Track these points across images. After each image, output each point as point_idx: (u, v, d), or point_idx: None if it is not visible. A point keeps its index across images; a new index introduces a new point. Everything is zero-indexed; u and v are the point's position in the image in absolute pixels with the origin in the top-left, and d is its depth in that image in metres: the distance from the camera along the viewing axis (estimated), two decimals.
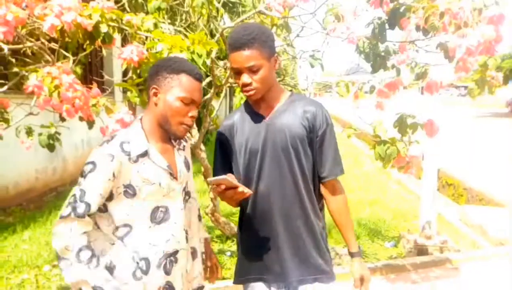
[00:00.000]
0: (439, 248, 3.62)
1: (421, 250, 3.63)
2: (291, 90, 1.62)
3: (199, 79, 1.36)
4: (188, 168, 1.50)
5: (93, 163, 1.26)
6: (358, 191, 5.85)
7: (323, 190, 1.57)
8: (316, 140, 1.51)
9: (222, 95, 2.88)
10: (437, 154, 3.69)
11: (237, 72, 1.44)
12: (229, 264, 3.32)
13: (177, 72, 1.33)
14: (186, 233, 1.44)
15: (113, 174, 1.25)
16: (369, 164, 8.45)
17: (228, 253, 3.50)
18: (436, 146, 3.57)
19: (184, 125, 1.35)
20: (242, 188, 1.31)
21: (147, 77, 1.41)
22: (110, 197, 1.29)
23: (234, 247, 3.62)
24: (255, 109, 1.55)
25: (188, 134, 1.59)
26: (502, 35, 1.58)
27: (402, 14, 1.82)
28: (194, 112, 1.36)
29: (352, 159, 8.91)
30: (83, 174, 1.26)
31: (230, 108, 12.03)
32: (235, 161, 1.57)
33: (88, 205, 1.23)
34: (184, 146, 1.52)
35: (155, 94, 1.35)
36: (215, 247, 3.63)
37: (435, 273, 3.28)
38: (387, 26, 1.91)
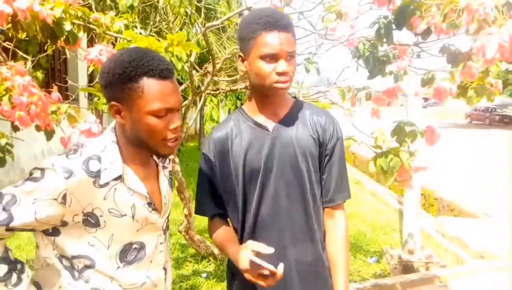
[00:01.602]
0: (425, 264, 3.50)
1: (406, 266, 3.49)
2: (294, 97, 1.38)
3: (169, 75, 1.01)
4: (171, 186, 1.23)
5: (42, 171, 0.94)
6: None
7: (323, 215, 1.31)
8: (324, 155, 1.27)
9: (201, 102, 2.64)
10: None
11: (272, 59, 1.15)
12: (205, 287, 3.04)
13: (134, 78, 0.97)
14: (165, 271, 1.17)
15: (63, 197, 0.93)
16: None
17: (204, 275, 3.22)
18: (422, 158, 3.46)
19: (168, 142, 1.03)
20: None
21: (101, 87, 1.06)
22: (62, 225, 0.97)
23: (210, 268, 3.35)
24: (255, 118, 1.28)
25: None
26: None
27: (412, 13, 1.64)
28: (176, 122, 1.02)
29: None
30: (27, 177, 0.95)
31: (201, 117, 11.73)
32: (230, 184, 1.28)
33: (10, 219, 0.91)
34: (170, 160, 1.24)
35: (118, 112, 1.02)
36: (190, 267, 3.35)
37: None
38: (393, 26, 1.73)
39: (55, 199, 0.93)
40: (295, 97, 1.36)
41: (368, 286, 3.08)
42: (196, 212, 1.36)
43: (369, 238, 4.39)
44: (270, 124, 1.26)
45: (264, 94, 1.24)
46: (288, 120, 1.26)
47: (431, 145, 1.82)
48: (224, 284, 3.08)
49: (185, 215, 3.20)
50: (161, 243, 1.13)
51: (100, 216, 0.99)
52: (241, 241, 1.29)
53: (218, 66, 2.76)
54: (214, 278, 3.13)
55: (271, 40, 1.15)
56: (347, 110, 2.17)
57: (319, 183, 1.28)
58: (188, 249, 3.60)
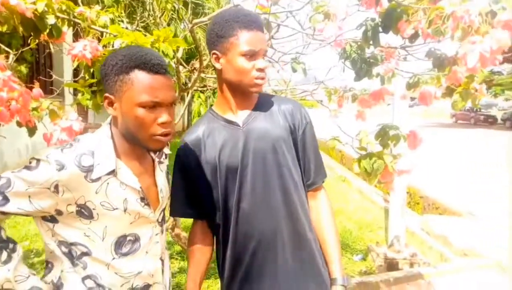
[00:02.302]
0: (409, 261, 3.54)
1: (391, 264, 3.53)
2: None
3: (160, 70, 1.03)
4: (168, 180, 1.24)
5: (38, 161, 0.98)
6: None
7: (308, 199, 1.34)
8: (297, 141, 1.31)
9: (187, 100, 2.61)
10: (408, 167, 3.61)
11: (252, 56, 1.20)
12: (202, 285, 3.02)
13: (126, 70, 1.01)
14: (162, 263, 1.17)
15: (55, 187, 0.96)
16: (327, 172, 8.43)
17: None
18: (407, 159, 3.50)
19: (156, 136, 1.03)
20: None
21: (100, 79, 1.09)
22: (57, 213, 1.01)
23: None
24: (225, 116, 1.31)
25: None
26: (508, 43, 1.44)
27: (399, 16, 1.64)
28: (165, 117, 1.02)
29: None
30: (24, 165, 0.99)
31: (189, 113, 11.68)
32: (207, 184, 1.28)
33: (5, 201, 0.95)
34: (167, 154, 1.24)
35: (110, 104, 1.06)
36: (175, 265, 3.33)
37: (410, 288, 3.18)
38: (380, 29, 1.72)
39: (48, 188, 0.96)
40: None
41: (353, 284, 3.10)
42: (170, 214, 1.37)
43: (355, 236, 4.42)
44: (240, 120, 1.29)
45: (237, 91, 1.27)
46: (257, 113, 1.29)
47: (413, 149, 1.84)
48: (209, 281, 3.07)
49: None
50: (156, 234, 1.14)
51: (93, 209, 1.01)
52: (226, 235, 1.30)
53: (205, 63, 2.73)
54: (211, 278, 3.12)
55: (252, 38, 1.20)
56: (333, 111, 2.16)
57: (297, 169, 1.30)
58: (174, 246, 3.57)
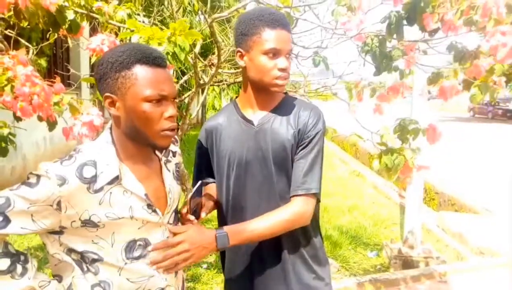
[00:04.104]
0: (424, 259, 3.50)
1: (405, 261, 3.50)
2: (285, 93, 1.39)
3: (162, 64, 1.02)
4: (179, 179, 1.22)
5: (38, 177, 0.93)
6: (335, 196, 5.71)
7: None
8: (300, 146, 1.27)
9: (205, 93, 2.61)
10: (425, 161, 3.56)
11: (275, 54, 1.20)
12: (206, 277, 3.05)
13: (127, 66, 0.98)
14: None
15: (58, 204, 0.93)
16: (342, 167, 8.37)
17: (204, 266, 3.24)
18: (425, 155, 3.45)
19: (164, 131, 1.02)
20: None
21: (96, 82, 1.04)
22: (62, 229, 0.97)
23: (211, 259, 3.36)
24: (244, 112, 1.33)
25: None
26: None
27: (423, 9, 1.62)
28: (171, 110, 1.01)
29: (325, 162, 8.82)
30: (23, 181, 0.94)
31: (203, 106, 11.70)
32: (217, 169, 1.36)
33: (6, 221, 0.90)
34: (175, 152, 1.22)
35: (112, 104, 1.01)
36: None
37: (424, 287, 3.15)
38: (404, 22, 1.70)
39: (50, 205, 0.93)
40: (286, 93, 1.38)
41: (367, 281, 3.09)
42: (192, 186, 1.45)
43: (369, 232, 4.39)
44: (256, 119, 1.30)
45: (260, 89, 1.28)
46: (274, 116, 1.29)
47: (432, 143, 1.81)
48: (213, 272, 3.09)
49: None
50: (167, 237, 1.12)
51: (98, 221, 0.99)
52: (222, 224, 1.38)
53: (222, 58, 2.73)
54: (215, 269, 3.14)
55: (275, 37, 1.19)
56: (352, 106, 2.14)
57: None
58: None
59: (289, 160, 1.26)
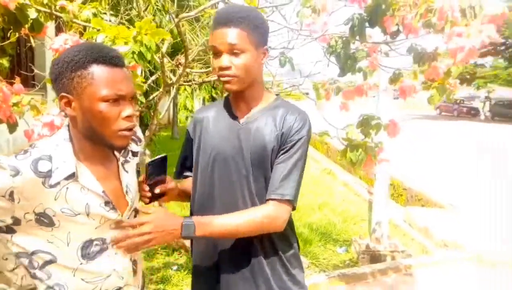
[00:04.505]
0: (391, 253, 3.61)
1: (373, 255, 3.60)
2: (277, 94, 1.39)
3: (119, 63, 1.00)
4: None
5: None
6: (307, 195, 5.79)
7: None
8: (281, 150, 1.24)
9: (173, 93, 2.60)
10: (390, 157, 3.67)
11: (216, 53, 1.20)
12: (176, 279, 3.04)
13: (84, 65, 0.96)
14: (134, 263, 1.15)
15: (10, 194, 0.90)
16: (313, 165, 8.50)
17: (175, 267, 3.22)
18: (393, 150, 3.55)
19: (121, 131, 1.01)
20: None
21: (52, 82, 1.02)
22: (14, 223, 0.94)
23: (181, 260, 3.35)
24: (233, 108, 1.32)
25: (140, 135, 1.29)
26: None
27: (384, 11, 1.68)
28: (129, 110, 1.00)
29: None
30: None
31: (175, 106, 11.58)
32: (195, 161, 1.36)
33: None
34: (136, 152, 1.20)
35: (68, 104, 0.99)
36: (161, 260, 3.34)
37: (391, 280, 3.25)
38: (366, 24, 1.75)
39: (3, 196, 0.90)
40: (277, 95, 1.37)
41: (336, 276, 3.16)
42: (174, 177, 1.45)
43: (339, 228, 4.48)
44: (242, 117, 1.29)
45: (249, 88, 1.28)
46: (261, 115, 1.28)
47: (393, 137, 1.90)
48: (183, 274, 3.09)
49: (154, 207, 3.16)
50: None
51: (53, 216, 0.97)
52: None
53: (190, 58, 2.72)
54: (185, 271, 3.13)
55: (213, 37, 1.20)
56: (319, 104, 2.20)
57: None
58: None
59: (268, 162, 1.24)
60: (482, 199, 6.16)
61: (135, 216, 1.16)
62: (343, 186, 6.95)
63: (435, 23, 1.53)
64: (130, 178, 1.15)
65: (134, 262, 1.15)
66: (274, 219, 1.20)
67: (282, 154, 1.24)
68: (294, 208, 1.24)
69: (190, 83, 2.95)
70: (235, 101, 1.31)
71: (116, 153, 1.13)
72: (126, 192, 1.11)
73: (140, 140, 1.24)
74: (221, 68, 1.19)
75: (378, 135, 1.96)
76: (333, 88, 2.23)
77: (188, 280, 3.04)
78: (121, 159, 1.14)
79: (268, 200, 1.22)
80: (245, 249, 1.27)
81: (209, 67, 3.10)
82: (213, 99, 20.19)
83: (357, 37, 1.78)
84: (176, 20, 1.96)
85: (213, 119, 1.34)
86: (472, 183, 7.45)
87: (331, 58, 1.88)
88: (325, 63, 1.94)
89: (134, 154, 1.20)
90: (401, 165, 8.30)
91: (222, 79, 1.21)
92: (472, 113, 26.70)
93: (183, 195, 1.40)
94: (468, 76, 25.01)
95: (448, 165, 9.25)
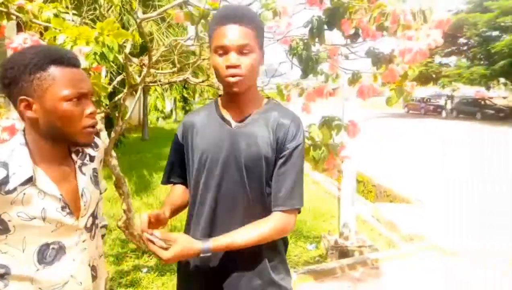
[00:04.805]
0: (358, 248, 3.71)
1: (342, 251, 3.68)
2: (268, 97, 1.35)
3: (76, 64, 1.04)
4: (97, 184, 1.20)
5: None
6: None
7: None
8: (279, 159, 1.22)
9: (138, 94, 2.57)
10: (356, 154, 3.78)
11: (224, 52, 1.15)
12: (146, 281, 3.01)
13: (42, 67, 0.98)
14: (94, 269, 1.14)
15: None
16: None
17: (145, 270, 3.19)
18: (356, 148, 3.65)
19: (86, 128, 1.04)
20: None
21: (4, 86, 1.02)
22: None
23: (151, 262, 3.32)
24: (223, 112, 1.28)
25: (98, 141, 1.28)
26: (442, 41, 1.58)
27: (342, 14, 1.73)
28: (92, 107, 1.04)
29: None
30: None
31: (145, 107, 11.42)
32: (189, 166, 1.33)
33: None
34: (93, 157, 1.20)
35: (28, 107, 0.99)
36: (130, 263, 3.30)
37: (358, 274, 3.34)
38: (325, 26, 1.81)
39: None
40: (268, 97, 1.35)
41: (305, 272, 3.22)
42: (161, 183, 1.47)
43: (309, 225, 4.55)
44: (233, 121, 1.26)
45: (225, 90, 1.25)
46: (252, 120, 1.25)
47: (353, 137, 1.95)
48: (165, 278, 3.07)
49: (124, 211, 3.12)
50: (84, 241, 1.10)
51: (9, 221, 0.96)
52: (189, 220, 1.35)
53: (156, 58, 2.70)
54: (155, 273, 3.11)
55: (221, 33, 1.16)
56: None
57: (264, 186, 1.24)
58: (129, 244, 3.53)
59: (262, 166, 1.22)
60: (446, 193, 6.41)
61: (92, 223, 1.15)
62: (313, 185, 7.07)
63: (388, 26, 1.59)
64: (86, 182, 1.14)
65: (93, 268, 1.15)
66: (283, 229, 1.22)
67: (282, 163, 1.22)
68: (300, 211, 1.26)
69: (156, 84, 2.94)
70: (228, 104, 1.28)
71: (73, 156, 1.13)
72: (82, 195, 1.11)
73: (97, 146, 1.23)
74: (230, 66, 1.14)
75: (339, 135, 2.01)
76: (297, 89, 2.28)
77: (158, 281, 3.02)
78: (78, 162, 1.13)
79: (276, 210, 1.21)
80: (232, 256, 1.24)
81: (173, 67, 3.08)
82: (184, 99, 20.05)
83: (317, 39, 1.83)
84: (138, 20, 1.95)
85: (204, 123, 1.30)
86: (437, 179, 7.73)
87: (293, 60, 1.91)
88: (289, 65, 1.98)
89: (91, 158, 1.19)
90: (371, 162, 8.52)
91: (231, 79, 1.15)
92: (438, 111, 27.63)
93: (175, 211, 1.38)
94: (434, 75, 25.84)
95: (415, 161, 9.55)
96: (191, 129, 1.32)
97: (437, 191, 6.54)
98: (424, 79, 26.43)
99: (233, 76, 1.15)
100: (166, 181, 1.43)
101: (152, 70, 2.85)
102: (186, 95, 18.27)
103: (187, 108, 19.97)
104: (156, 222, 1.23)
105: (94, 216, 1.16)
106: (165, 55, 3.24)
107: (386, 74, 1.90)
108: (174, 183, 1.42)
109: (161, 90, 12.79)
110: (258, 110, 1.27)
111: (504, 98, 33.93)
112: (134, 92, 2.72)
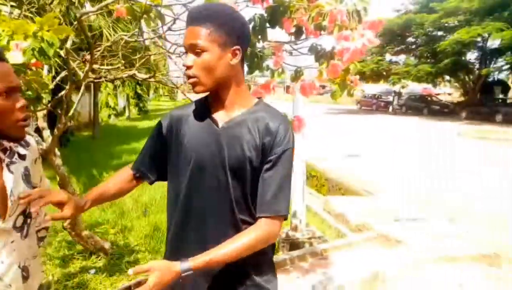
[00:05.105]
0: (308, 239, 3.83)
1: (293, 243, 3.78)
2: (259, 98, 1.31)
3: (3, 57, 1.04)
4: (29, 183, 1.16)
5: None
6: None
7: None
8: (265, 163, 1.19)
9: (82, 90, 2.49)
10: (305, 149, 3.88)
11: (186, 52, 1.18)
12: (94, 283, 2.94)
13: None
14: (25, 270, 1.11)
15: None
16: None
17: (92, 271, 3.11)
18: (304, 141, 3.75)
19: (19, 122, 1.05)
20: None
21: None
22: None
23: (99, 263, 3.24)
24: (212, 110, 1.25)
25: (29, 139, 1.25)
26: (376, 41, 1.67)
27: (283, 13, 1.78)
28: (22, 101, 1.05)
29: None
30: None
31: (95, 104, 11.02)
32: (173, 164, 1.28)
33: None
34: (24, 155, 1.16)
35: None
36: (77, 264, 3.20)
37: (308, 265, 3.44)
38: (267, 24, 1.85)
39: None
40: (259, 98, 1.32)
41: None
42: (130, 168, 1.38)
43: None
44: (221, 121, 1.23)
45: (232, 92, 1.24)
46: (241, 120, 1.22)
47: (298, 132, 2.01)
48: (114, 278, 3.02)
49: None
50: (12, 242, 1.07)
51: None
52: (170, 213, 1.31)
53: (100, 54, 2.64)
54: (104, 273, 3.04)
55: (184, 36, 1.19)
56: None
57: (248, 191, 1.21)
58: (76, 246, 3.42)
59: (247, 169, 1.19)
60: (395, 185, 6.74)
61: (24, 222, 1.12)
62: None
63: (326, 25, 1.66)
64: (15, 181, 1.11)
65: (25, 269, 1.12)
66: (268, 238, 1.18)
67: (269, 168, 1.18)
68: (286, 218, 1.22)
69: (101, 80, 2.86)
70: (214, 103, 1.25)
71: (0, 154, 1.09)
72: (10, 194, 1.07)
73: (28, 144, 1.20)
74: (185, 66, 1.17)
75: None
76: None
77: (107, 282, 2.96)
78: (6, 160, 1.10)
79: (260, 217, 1.17)
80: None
81: (118, 63, 3.02)
82: (138, 96, 19.59)
83: (259, 37, 1.86)
84: (78, 14, 1.89)
85: (191, 121, 1.26)
86: (387, 171, 8.09)
87: None
88: None
89: (22, 157, 1.16)
90: (323, 157, 8.76)
91: (189, 80, 1.17)
92: (389, 107, 28.84)
93: (104, 199, 1.33)
94: (384, 73, 26.88)
95: (367, 155, 9.93)
96: (179, 124, 1.28)
97: (386, 183, 6.86)
98: (375, 76, 27.48)
99: (187, 76, 1.17)
100: (136, 170, 1.35)
101: (96, 66, 2.77)
102: (140, 92, 17.83)
103: (141, 105, 19.56)
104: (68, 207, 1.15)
105: (25, 215, 1.13)
106: (115, 50, 3.15)
107: (329, 70, 1.97)
108: (142, 174, 1.35)
109: (112, 87, 12.39)
110: (246, 110, 1.24)
111: (449, 94, 36.04)
112: (78, 89, 2.64)
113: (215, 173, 1.20)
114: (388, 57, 28.35)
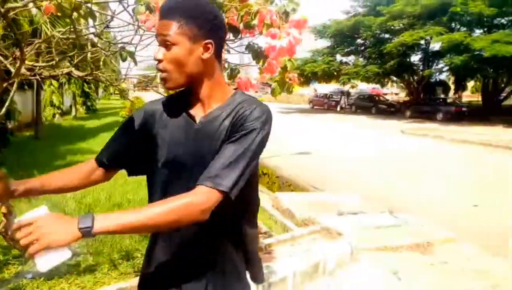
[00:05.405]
0: None
1: None
2: (235, 89, 1.28)
3: None
4: None
5: None
6: None
7: None
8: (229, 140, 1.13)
9: (14, 87, 2.39)
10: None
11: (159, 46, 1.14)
12: (30, 288, 2.83)
13: None
14: None
15: None
16: None
17: (29, 275, 2.99)
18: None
19: None
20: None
21: None
22: None
23: (36, 268, 3.11)
24: (188, 106, 1.21)
25: None
26: (301, 39, 1.75)
27: None
28: None
29: None
30: None
31: (38, 103, 10.49)
32: (149, 160, 1.23)
33: None
34: None
35: None
36: (12, 270, 3.06)
37: None
38: None
39: None
40: (236, 89, 1.29)
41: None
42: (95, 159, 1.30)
43: None
44: (198, 116, 1.19)
45: (207, 86, 1.21)
46: (218, 114, 1.17)
47: None
48: (52, 282, 2.92)
49: (4, 214, 2.89)
50: None
51: None
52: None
53: (32, 50, 2.54)
54: (41, 277, 2.94)
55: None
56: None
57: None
58: (11, 250, 3.27)
59: None
60: (341, 180, 7.00)
61: None
62: None
63: (255, 24, 1.73)
64: None
65: None
66: (196, 206, 1.02)
67: (230, 142, 1.10)
68: (226, 198, 1.06)
69: (35, 78, 2.76)
70: (189, 99, 1.21)
71: None
72: None
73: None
74: (158, 61, 1.13)
75: None
76: None
77: (45, 287, 2.86)
78: None
79: (199, 185, 1.04)
80: (201, 259, 1.20)
81: (52, 60, 2.92)
82: (85, 94, 18.83)
83: None
84: (2, 10, 1.82)
85: (167, 116, 1.22)
86: (335, 167, 8.39)
87: None
88: None
89: None
90: (275, 155, 8.93)
91: (160, 75, 1.15)
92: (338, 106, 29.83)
93: (42, 191, 1.21)
94: (335, 73, 27.71)
95: (316, 152, 10.24)
96: (154, 118, 1.23)
97: (333, 179, 7.12)
98: (326, 76, 28.24)
99: (158, 70, 1.14)
100: (99, 162, 1.26)
101: (30, 63, 2.67)
102: (87, 90, 17.16)
103: (89, 103, 18.82)
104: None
105: None
106: (55, 47, 3.04)
107: (266, 68, 2.04)
108: (107, 168, 1.27)
109: (57, 84, 11.82)
110: (223, 103, 1.19)
111: (396, 94, 37.85)
112: (9, 86, 2.53)
113: (194, 170, 1.14)
114: (338, 57, 29.24)
